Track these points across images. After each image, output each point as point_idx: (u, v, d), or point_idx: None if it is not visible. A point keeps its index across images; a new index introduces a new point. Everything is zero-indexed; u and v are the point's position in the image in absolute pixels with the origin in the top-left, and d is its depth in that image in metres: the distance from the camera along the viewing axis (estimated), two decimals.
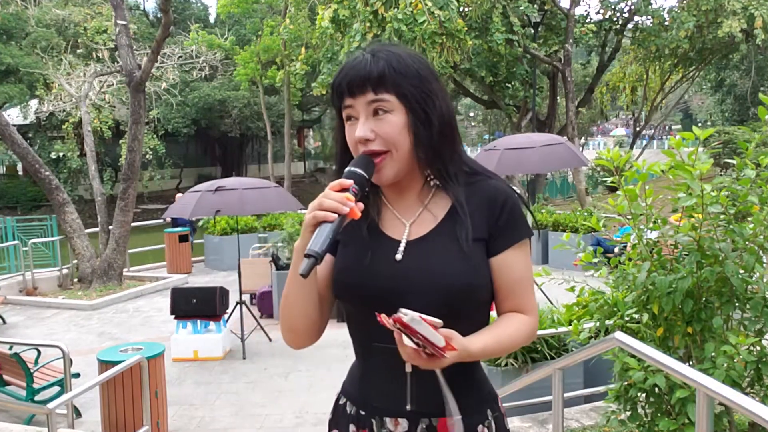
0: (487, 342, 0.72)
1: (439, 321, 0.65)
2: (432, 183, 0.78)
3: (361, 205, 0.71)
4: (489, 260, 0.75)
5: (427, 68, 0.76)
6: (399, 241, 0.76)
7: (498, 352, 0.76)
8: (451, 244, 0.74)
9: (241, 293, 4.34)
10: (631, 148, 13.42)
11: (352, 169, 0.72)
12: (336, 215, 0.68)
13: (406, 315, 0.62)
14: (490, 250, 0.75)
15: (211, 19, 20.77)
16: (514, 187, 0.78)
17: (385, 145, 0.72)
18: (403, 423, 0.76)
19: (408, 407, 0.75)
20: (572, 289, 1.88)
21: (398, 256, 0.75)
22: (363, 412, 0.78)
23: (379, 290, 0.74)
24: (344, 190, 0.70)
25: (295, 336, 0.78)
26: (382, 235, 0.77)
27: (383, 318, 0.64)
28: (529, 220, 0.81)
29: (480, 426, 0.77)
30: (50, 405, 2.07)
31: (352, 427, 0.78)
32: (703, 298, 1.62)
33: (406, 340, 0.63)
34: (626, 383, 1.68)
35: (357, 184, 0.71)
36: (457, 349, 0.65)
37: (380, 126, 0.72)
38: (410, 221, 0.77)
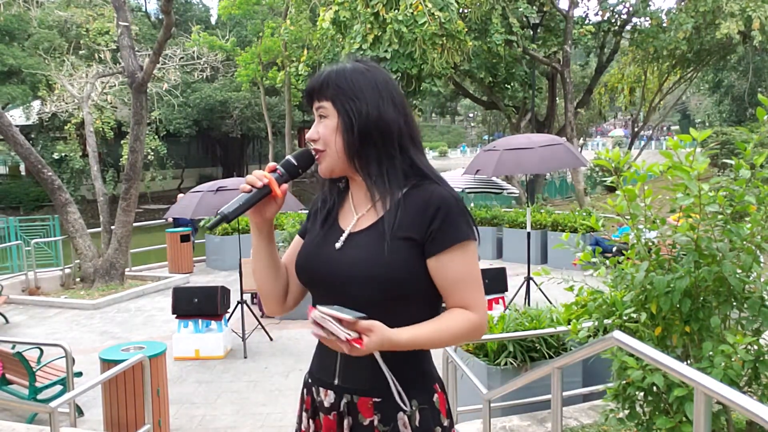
0: (417, 333, 0.78)
1: (359, 315, 0.73)
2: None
3: (285, 186, 0.85)
4: (426, 261, 0.81)
5: (369, 80, 0.84)
6: (344, 231, 0.86)
7: (434, 343, 0.80)
8: (381, 238, 0.82)
9: (242, 293, 4.36)
10: (630, 148, 13.44)
11: (288, 157, 0.87)
12: (251, 187, 0.82)
13: (314, 311, 0.74)
14: (426, 252, 0.81)
15: (213, 21, 20.81)
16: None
17: (323, 145, 0.85)
18: (330, 395, 0.85)
19: (335, 381, 0.85)
20: (571, 288, 1.89)
21: (338, 245, 0.85)
22: (309, 380, 0.90)
23: (322, 274, 0.86)
24: (272, 171, 0.85)
25: (263, 300, 0.93)
26: (336, 225, 0.88)
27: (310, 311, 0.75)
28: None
29: (401, 413, 0.81)
30: (53, 404, 2.08)
31: (304, 391, 0.91)
32: (701, 298, 1.64)
33: (317, 330, 0.74)
34: (625, 382, 1.69)
35: (284, 168, 0.86)
36: (364, 343, 0.73)
37: (321, 128, 0.85)
38: (359, 214, 0.87)
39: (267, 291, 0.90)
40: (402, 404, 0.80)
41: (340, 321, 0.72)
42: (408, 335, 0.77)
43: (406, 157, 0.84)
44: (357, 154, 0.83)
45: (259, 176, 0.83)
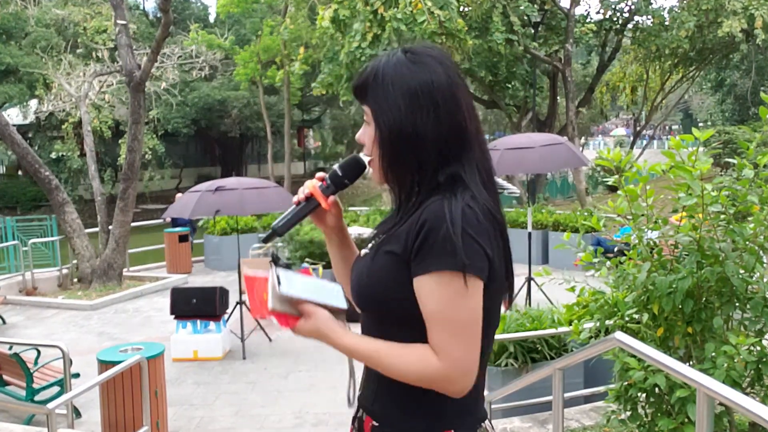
0: (360, 345, 0.73)
1: (337, 305, 0.73)
2: None
3: (332, 198, 0.82)
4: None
5: (409, 85, 0.74)
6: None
7: (372, 364, 0.73)
8: (373, 252, 0.78)
9: (241, 293, 4.34)
10: (632, 148, 13.41)
11: (334, 167, 0.84)
12: (299, 200, 0.81)
13: (272, 266, 0.73)
14: (411, 272, 0.71)
15: (211, 19, 20.75)
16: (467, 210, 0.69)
17: (368, 152, 0.80)
18: (355, 405, 0.84)
19: (358, 392, 0.83)
20: (572, 289, 1.88)
21: (362, 252, 0.83)
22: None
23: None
24: (321, 181, 0.82)
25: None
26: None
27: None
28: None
29: None
30: (50, 405, 2.07)
31: None
32: (704, 298, 1.62)
33: (250, 272, 0.73)
34: (626, 383, 1.68)
35: (331, 179, 0.82)
36: (297, 326, 0.71)
37: (365, 135, 0.80)
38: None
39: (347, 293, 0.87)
40: (347, 400, 0.78)
41: (274, 288, 0.69)
42: (348, 342, 0.73)
43: (447, 170, 0.73)
44: (390, 170, 0.77)
45: (305, 188, 0.81)
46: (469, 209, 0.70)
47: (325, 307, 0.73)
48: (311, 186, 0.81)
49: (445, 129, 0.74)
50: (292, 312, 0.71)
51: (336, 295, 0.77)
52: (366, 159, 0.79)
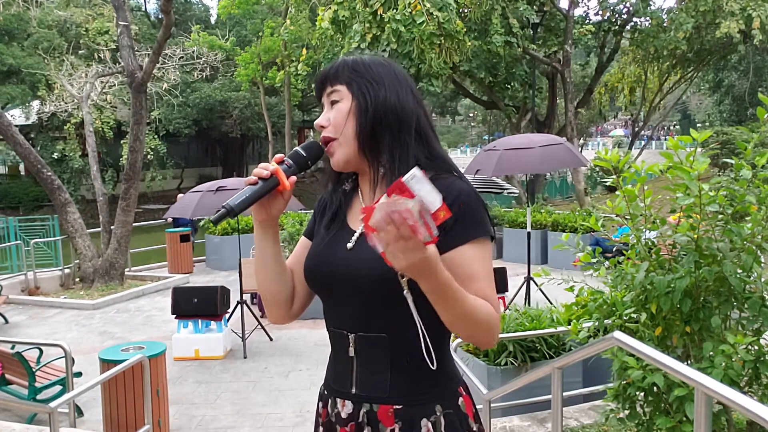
0: (454, 284, 0.68)
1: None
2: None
3: (293, 178, 0.79)
4: (442, 254, 0.71)
5: (387, 69, 0.80)
6: (355, 231, 0.81)
7: (457, 305, 0.70)
8: None
9: (242, 293, 4.35)
10: (630, 148, 13.44)
11: (296, 148, 0.82)
12: (257, 179, 0.77)
13: (410, 174, 0.59)
14: (440, 247, 0.70)
15: (212, 20, 20.78)
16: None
17: (334, 132, 0.79)
18: (348, 405, 0.79)
19: (353, 390, 0.79)
20: (571, 288, 1.89)
21: (349, 245, 0.80)
22: (326, 392, 0.84)
23: (331, 276, 0.80)
24: (280, 163, 0.79)
25: (267, 307, 0.86)
26: (345, 226, 0.83)
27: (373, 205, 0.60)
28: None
29: (424, 419, 0.76)
30: (52, 404, 2.07)
31: (320, 404, 0.85)
32: (702, 298, 1.63)
33: (378, 216, 0.58)
34: (625, 382, 1.69)
35: (293, 159, 0.80)
36: (428, 253, 0.62)
37: (332, 113, 0.79)
38: None
39: (272, 297, 0.84)
40: (429, 362, 0.73)
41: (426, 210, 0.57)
42: (448, 277, 0.67)
43: (423, 145, 0.78)
44: (369, 140, 0.77)
45: (263, 167, 0.77)
46: (468, 184, 0.78)
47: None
48: (273, 165, 0.77)
49: (421, 111, 0.80)
50: (428, 237, 0.59)
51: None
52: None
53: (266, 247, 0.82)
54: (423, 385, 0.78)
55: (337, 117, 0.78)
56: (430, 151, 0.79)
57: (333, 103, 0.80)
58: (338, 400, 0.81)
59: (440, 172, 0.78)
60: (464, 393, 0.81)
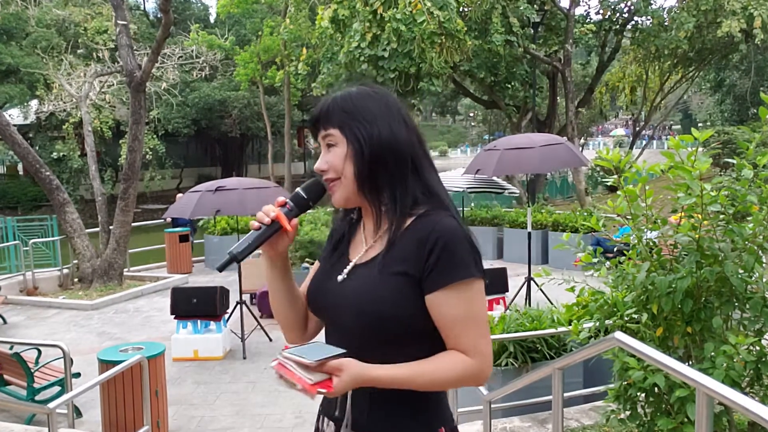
0: (397, 372, 0.75)
1: (336, 351, 0.73)
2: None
3: (295, 221, 0.82)
4: (425, 298, 0.76)
5: (377, 102, 0.80)
6: (351, 262, 0.83)
7: (416, 384, 0.76)
8: (379, 272, 0.78)
9: (241, 293, 4.34)
10: (631, 148, 13.43)
11: (297, 189, 0.84)
12: (260, 224, 0.80)
13: (278, 356, 0.74)
14: (424, 289, 0.76)
15: (212, 20, 20.78)
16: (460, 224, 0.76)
17: (335, 174, 0.81)
18: (331, 426, 0.83)
19: (336, 413, 0.82)
20: (572, 289, 1.88)
21: (340, 277, 0.82)
22: (320, 408, 0.88)
23: (325, 306, 0.84)
24: (282, 206, 0.82)
25: (282, 329, 0.90)
26: (345, 257, 0.85)
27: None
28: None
29: None
30: (51, 405, 2.07)
31: (318, 418, 0.89)
32: (703, 298, 1.63)
33: (280, 379, 0.74)
34: (626, 383, 1.68)
35: (294, 202, 0.82)
36: (333, 384, 0.72)
37: (330, 157, 0.81)
38: (368, 246, 0.83)
39: (286, 321, 0.87)
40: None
41: (302, 365, 0.71)
42: (385, 373, 0.74)
43: (420, 180, 0.80)
44: (368, 182, 0.79)
45: (267, 212, 0.80)
46: (461, 226, 0.78)
47: (335, 357, 0.73)
48: (275, 210, 0.80)
49: (415, 140, 0.81)
50: (323, 377, 0.72)
51: (326, 345, 0.77)
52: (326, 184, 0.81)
53: (276, 279, 0.86)
54: (402, 421, 0.79)
55: (334, 161, 0.80)
56: (426, 186, 0.80)
57: (329, 145, 0.81)
58: (325, 419, 0.84)
59: (431, 210, 0.78)
60: (445, 423, 0.80)
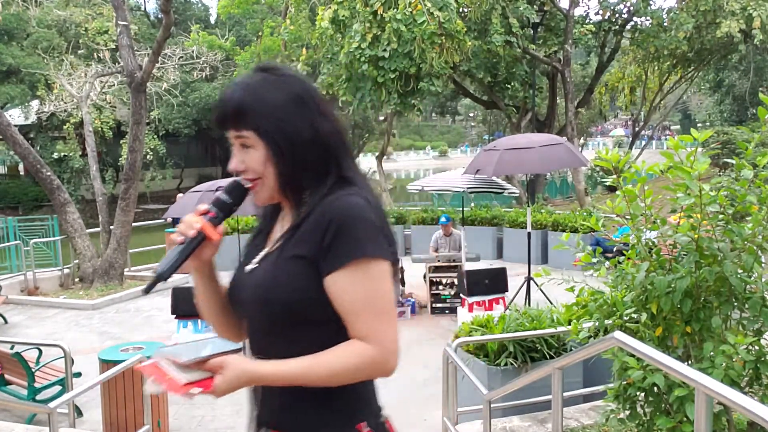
0: (287, 367, 0.70)
1: (227, 348, 0.70)
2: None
3: (221, 227, 0.78)
4: (323, 281, 0.72)
5: (288, 92, 0.75)
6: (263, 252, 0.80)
7: (309, 379, 0.71)
8: (276, 257, 0.75)
9: None
10: (630, 148, 13.45)
11: (218, 194, 0.80)
12: (184, 238, 0.75)
13: (155, 356, 0.71)
14: (321, 271, 0.71)
15: (212, 20, 20.79)
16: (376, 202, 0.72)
17: (255, 174, 0.76)
18: (253, 425, 0.80)
19: (255, 411, 0.80)
20: (572, 289, 1.88)
21: (248, 267, 0.79)
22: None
23: (237, 298, 0.80)
24: (204, 214, 0.77)
25: (219, 334, 0.86)
26: (259, 248, 0.81)
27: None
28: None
29: None
30: (51, 404, 2.08)
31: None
32: (702, 298, 1.63)
33: (152, 386, 0.69)
34: (625, 382, 1.69)
35: (218, 207, 0.77)
36: (215, 384, 0.68)
37: (247, 158, 0.76)
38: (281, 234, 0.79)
39: (220, 325, 0.84)
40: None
41: (177, 364, 0.68)
42: (275, 369, 0.69)
43: (338, 170, 0.76)
44: (291, 182, 0.75)
45: (190, 223, 0.75)
46: (366, 202, 0.73)
47: (224, 354, 0.70)
48: (198, 220, 0.75)
49: (330, 129, 0.76)
50: (204, 375, 0.69)
51: (220, 341, 0.75)
52: (246, 184, 0.76)
53: (202, 286, 0.82)
54: (314, 417, 0.75)
55: (252, 163, 0.75)
56: (343, 175, 0.76)
57: (244, 146, 0.76)
58: (251, 420, 0.81)
59: (334, 191, 0.74)
60: (366, 429, 0.75)
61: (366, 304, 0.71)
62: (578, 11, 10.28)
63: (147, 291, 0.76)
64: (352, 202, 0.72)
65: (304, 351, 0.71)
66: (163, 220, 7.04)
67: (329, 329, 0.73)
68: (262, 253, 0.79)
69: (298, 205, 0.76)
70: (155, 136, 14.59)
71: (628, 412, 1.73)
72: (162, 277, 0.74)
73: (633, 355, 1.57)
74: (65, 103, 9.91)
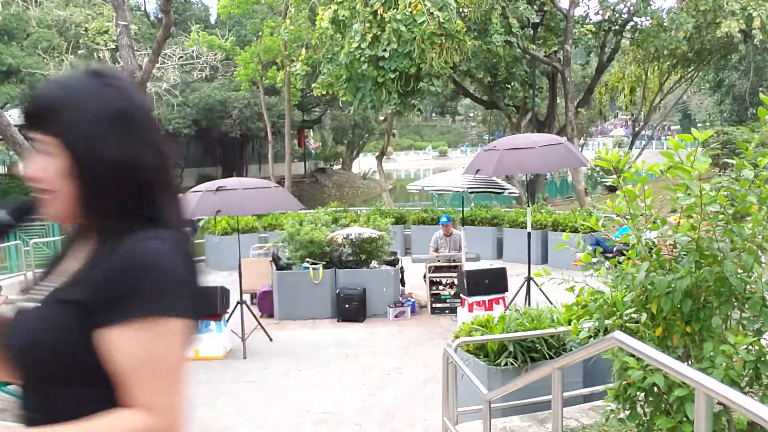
0: None
1: None
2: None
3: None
4: (94, 334, 0.62)
5: (110, 108, 0.65)
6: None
7: None
8: (45, 299, 0.66)
9: (241, 293, 4.34)
10: (630, 148, 13.45)
11: None
12: None
13: None
14: (95, 323, 0.61)
15: (212, 20, 20.80)
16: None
17: (49, 186, 0.66)
18: None
19: None
20: (572, 289, 1.88)
21: (25, 305, 0.68)
22: None
23: (4, 340, 0.68)
24: None
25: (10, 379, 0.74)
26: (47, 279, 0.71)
27: None
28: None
29: None
30: None
31: None
32: (702, 298, 1.63)
33: None
34: (625, 382, 1.69)
35: None
36: None
37: (46, 167, 0.66)
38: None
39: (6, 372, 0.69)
40: None
41: None
42: None
43: (149, 207, 0.65)
44: (88, 207, 0.65)
45: None
46: (172, 248, 0.65)
47: None
48: None
49: (148, 158, 0.66)
50: None
51: None
52: (36, 196, 0.66)
53: None
54: None
55: (49, 175, 0.65)
56: (153, 208, 0.66)
57: (43, 152, 0.65)
58: None
59: (135, 231, 0.64)
60: None
61: (145, 370, 0.60)
62: (578, 11, 10.30)
63: None
64: (151, 247, 0.62)
65: (60, 418, 0.61)
66: None
67: (97, 389, 0.62)
68: (49, 288, 0.67)
69: (100, 234, 0.66)
70: None
71: (628, 412, 1.73)
72: None
73: (633, 355, 1.57)
74: None
